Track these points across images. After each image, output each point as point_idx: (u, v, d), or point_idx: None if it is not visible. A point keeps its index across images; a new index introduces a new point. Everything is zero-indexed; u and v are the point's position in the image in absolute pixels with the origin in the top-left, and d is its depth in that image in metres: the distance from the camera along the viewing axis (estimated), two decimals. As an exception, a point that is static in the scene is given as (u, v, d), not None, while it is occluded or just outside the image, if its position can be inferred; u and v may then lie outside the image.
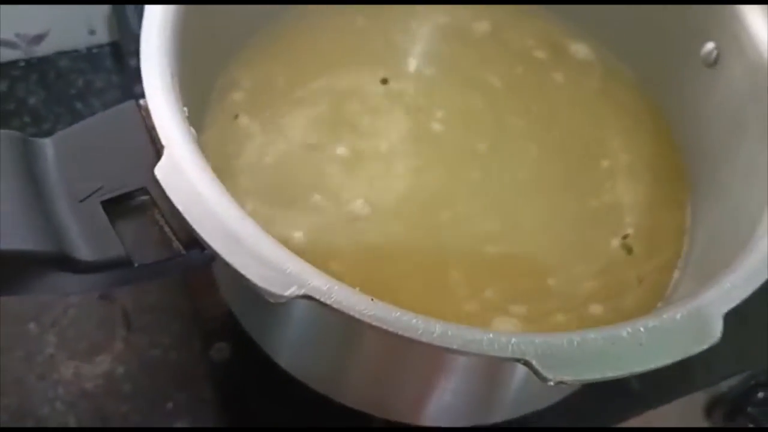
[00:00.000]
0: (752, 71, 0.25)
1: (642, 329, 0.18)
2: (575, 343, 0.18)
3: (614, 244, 0.27)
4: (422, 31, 0.31)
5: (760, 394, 0.36)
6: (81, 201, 0.20)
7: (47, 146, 0.20)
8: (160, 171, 0.19)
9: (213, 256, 0.20)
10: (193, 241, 0.20)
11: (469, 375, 0.22)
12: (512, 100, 0.30)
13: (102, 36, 0.50)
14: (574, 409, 0.29)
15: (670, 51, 0.29)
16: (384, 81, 0.29)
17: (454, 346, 0.17)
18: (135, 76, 0.41)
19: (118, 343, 0.41)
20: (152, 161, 0.21)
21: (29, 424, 0.38)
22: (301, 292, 0.18)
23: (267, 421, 0.31)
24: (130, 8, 0.44)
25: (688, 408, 0.38)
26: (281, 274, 0.18)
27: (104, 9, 0.48)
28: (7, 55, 0.48)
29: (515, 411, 0.27)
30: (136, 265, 0.19)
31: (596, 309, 0.25)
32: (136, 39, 0.42)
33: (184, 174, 0.19)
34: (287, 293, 0.18)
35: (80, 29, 0.49)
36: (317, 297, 0.18)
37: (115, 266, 0.19)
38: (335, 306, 0.18)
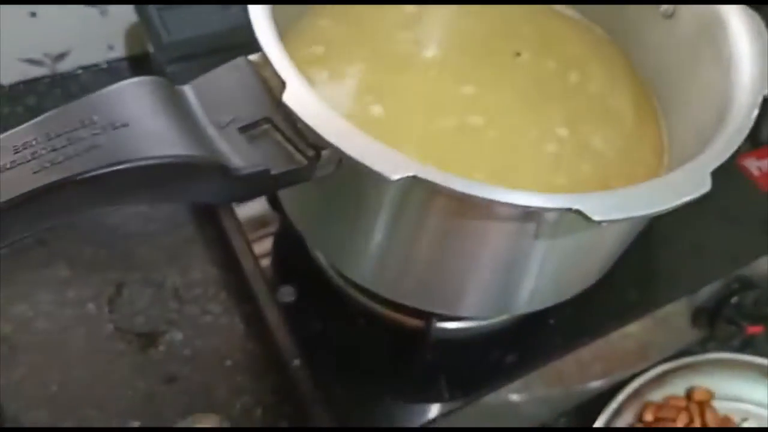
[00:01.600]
0: (701, 17, 0.33)
1: (657, 183, 0.25)
2: (609, 195, 0.24)
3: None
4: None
5: (734, 300, 0.43)
6: (222, 128, 0.25)
7: (187, 90, 0.26)
8: (288, 98, 0.25)
9: (332, 162, 0.26)
10: (312, 153, 0.25)
11: (512, 251, 0.29)
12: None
13: (120, 51, 0.55)
14: (583, 306, 0.36)
15: (634, 9, 0.37)
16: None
17: (522, 202, 0.24)
18: (168, 74, 0.47)
19: (173, 315, 0.45)
20: (267, 98, 0.26)
21: (99, 394, 0.42)
22: (410, 173, 0.23)
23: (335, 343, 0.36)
24: (154, 12, 0.49)
25: (678, 318, 0.45)
26: (391, 162, 0.24)
27: (122, 25, 0.54)
28: (33, 72, 0.53)
29: (538, 303, 0.33)
30: (273, 173, 0.25)
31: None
32: (166, 49, 0.48)
33: (303, 99, 0.25)
34: (398, 175, 0.23)
35: (100, 46, 0.54)
36: (422, 176, 0.24)
37: (259, 175, 0.25)
38: (434, 180, 0.24)
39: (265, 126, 0.26)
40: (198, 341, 0.44)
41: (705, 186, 0.25)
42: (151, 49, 0.49)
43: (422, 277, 0.31)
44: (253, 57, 0.28)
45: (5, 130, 0.50)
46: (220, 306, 0.46)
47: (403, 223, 0.28)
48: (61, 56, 0.53)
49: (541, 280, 0.31)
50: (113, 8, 0.52)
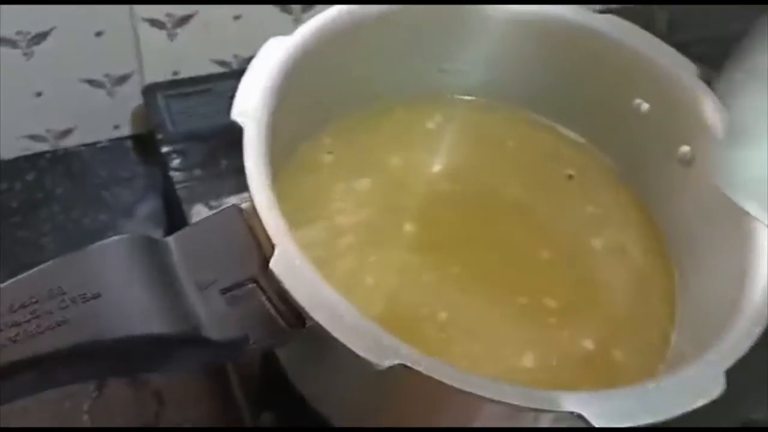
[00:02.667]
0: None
1: (666, 384, 0.23)
2: (613, 398, 0.23)
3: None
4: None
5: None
6: (203, 289, 0.24)
7: (170, 244, 0.24)
8: (275, 265, 0.23)
9: (316, 333, 0.24)
10: (296, 321, 0.24)
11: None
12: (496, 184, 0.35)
13: (125, 130, 0.54)
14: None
15: (651, 151, 0.35)
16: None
17: (518, 402, 0.22)
18: (168, 161, 0.46)
19: (150, 419, 0.43)
20: (255, 255, 0.25)
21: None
22: (397, 361, 0.22)
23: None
24: (161, 101, 0.49)
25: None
26: (379, 346, 0.22)
27: (130, 106, 0.53)
28: (35, 147, 0.52)
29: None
30: (251, 343, 0.23)
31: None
32: (170, 140, 0.47)
33: (294, 267, 0.23)
34: (386, 362, 0.22)
35: (106, 124, 0.53)
36: (410, 365, 0.22)
37: (236, 345, 0.23)
38: (425, 372, 0.22)
39: (250, 285, 0.24)
40: (175, 449, 0.42)
41: (718, 387, 0.23)
42: (146, 128, 0.49)
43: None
44: (245, 205, 0.26)
45: (1, 205, 0.50)
46: (201, 414, 0.44)
47: (389, 397, 0.26)
48: (64, 133, 0.52)
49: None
50: (121, 89, 0.51)
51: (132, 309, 0.21)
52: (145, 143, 0.54)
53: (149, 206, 0.52)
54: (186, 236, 0.25)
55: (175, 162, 0.48)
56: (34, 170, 0.52)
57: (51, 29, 0.45)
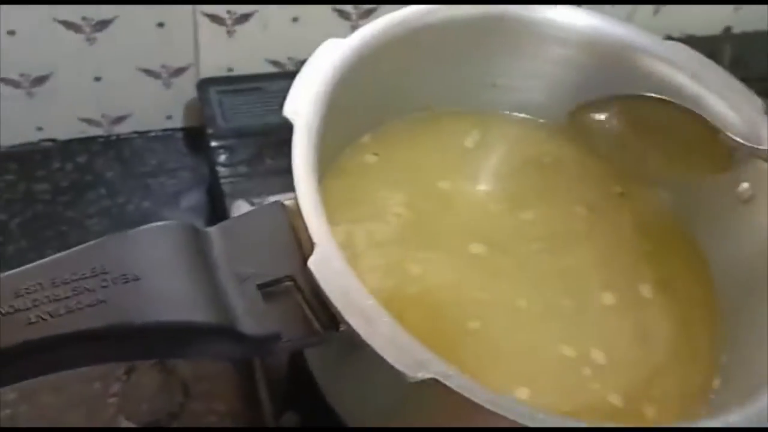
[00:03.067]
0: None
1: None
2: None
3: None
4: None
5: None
6: (241, 282, 0.24)
7: (212, 234, 0.24)
8: (313, 264, 0.23)
9: (349, 338, 0.24)
10: (330, 323, 0.24)
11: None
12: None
13: (177, 121, 0.55)
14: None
15: (707, 185, 0.34)
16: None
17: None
18: (215, 156, 0.47)
19: (175, 409, 0.43)
20: (295, 253, 0.25)
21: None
22: (429, 375, 0.21)
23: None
24: (214, 96, 0.49)
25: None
26: (413, 358, 0.22)
27: (184, 98, 0.54)
28: (89, 131, 0.53)
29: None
30: (283, 341, 0.23)
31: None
32: (220, 134, 0.48)
33: (332, 268, 0.23)
34: (418, 375, 0.21)
35: (159, 114, 0.54)
36: (442, 380, 0.21)
37: (269, 340, 0.23)
38: (456, 389, 0.21)
39: (287, 283, 0.24)
40: (198, 441, 0.43)
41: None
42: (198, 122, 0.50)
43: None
44: (288, 203, 0.26)
45: (52, 184, 0.51)
46: (226, 407, 0.44)
47: (416, 408, 0.25)
48: (119, 119, 0.53)
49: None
50: (176, 81, 0.52)
51: (170, 295, 0.21)
52: (194, 136, 0.55)
53: (193, 198, 0.52)
54: (228, 228, 0.25)
55: (222, 157, 0.48)
56: (86, 153, 0.53)
57: (114, 17, 0.46)
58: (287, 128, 0.30)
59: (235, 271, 0.24)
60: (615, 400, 0.28)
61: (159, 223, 0.23)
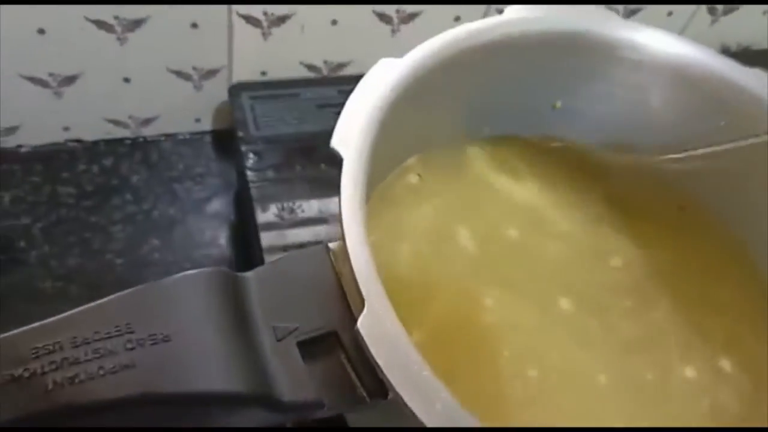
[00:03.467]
0: None
1: None
2: None
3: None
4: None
5: None
6: (279, 340, 0.21)
7: (249, 280, 0.22)
8: (363, 325, 0.20)
9: (398, 408, 0.21)
10: (378, 390, 0.21)
11: None
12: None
13: (206, 124, 0.53)
14: None
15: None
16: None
17: None
18: (244, 160, 0.45)
19: None
20: (340, 305, 0.22)
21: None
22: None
23: None
24: (246, 100, 0.47)
25: None
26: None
27: (214, 102, 0.51)
28: (116, 132, 0.51)
29: None
30: (326, 409, 0.21)
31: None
32: (251, 141, 0.46)
33: (383, 330, 0.20)
34: (478, 459, 0.19)
35: (188, 117, 0.52)
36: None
37: (309, 408, 0.20)
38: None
39: (330, 340, 0.22)
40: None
41: None
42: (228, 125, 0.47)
43: None
44: (333, 246, 0.24)
45: (77, 187, 0.49)
46: None
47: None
48: (147, 121, 0.51)
49: None
50: (207, 83, 0.50)
51: (203, 360, 0.19)
52: (223, 140, 0.53)
53: (219, 203, 0.50)
54: (267, 273, 0.22)
55: (251, 162, 0.46)
56: (112, 155, 0.51)
57: (147, 17, 0.44)
58: (320, 136, 0.27)
59: (274, 324, 0.21)
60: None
61: (192, 272, 0.20)
